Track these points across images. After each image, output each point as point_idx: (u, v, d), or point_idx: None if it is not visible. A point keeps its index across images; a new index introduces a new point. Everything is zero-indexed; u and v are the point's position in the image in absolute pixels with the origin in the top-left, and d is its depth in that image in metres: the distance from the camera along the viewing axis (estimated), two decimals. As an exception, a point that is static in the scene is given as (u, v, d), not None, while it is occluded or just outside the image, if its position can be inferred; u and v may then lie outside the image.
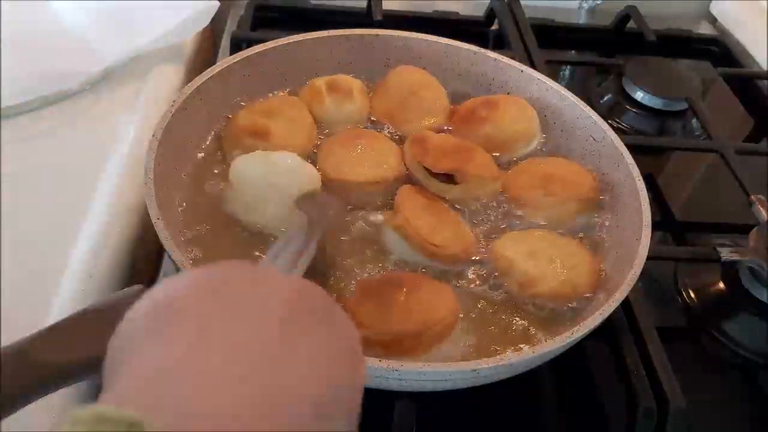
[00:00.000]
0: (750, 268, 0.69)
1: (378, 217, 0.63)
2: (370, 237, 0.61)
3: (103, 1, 0.84)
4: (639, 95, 0.94)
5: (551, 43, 1.02)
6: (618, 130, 0.69)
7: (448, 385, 0.50)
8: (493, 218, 0.65)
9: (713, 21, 1.19)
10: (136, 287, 0.40)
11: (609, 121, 0.71)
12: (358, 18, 0.97)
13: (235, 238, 0.60)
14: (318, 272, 0.57)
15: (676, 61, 1.02)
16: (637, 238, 0.58)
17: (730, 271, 0.71)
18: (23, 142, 0.70)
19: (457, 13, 1.03)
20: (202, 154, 0.66)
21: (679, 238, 0.82)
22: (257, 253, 0.58)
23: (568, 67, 1.06)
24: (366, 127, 0.72)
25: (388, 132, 0.72)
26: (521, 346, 0.55)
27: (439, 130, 0.72)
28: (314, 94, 0.71)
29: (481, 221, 0.64)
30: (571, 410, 0.61)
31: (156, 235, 0.52)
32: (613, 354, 0.60)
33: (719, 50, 1.10)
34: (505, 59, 0.76)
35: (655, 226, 0.60)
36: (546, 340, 0.51)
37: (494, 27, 1.02)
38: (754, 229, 0.70)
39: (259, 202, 0.59)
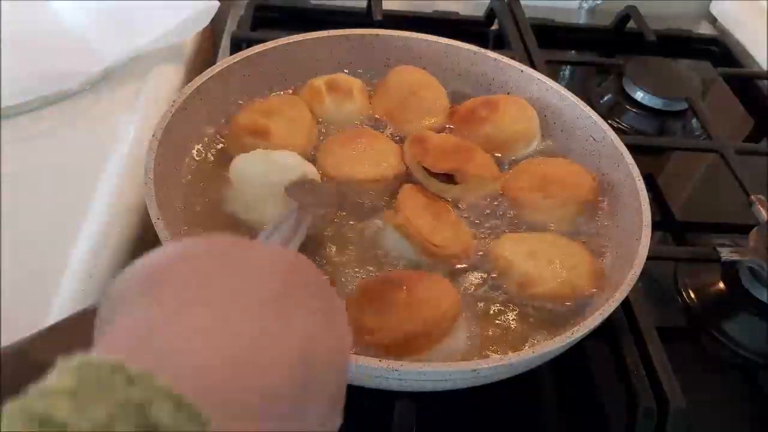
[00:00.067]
0: (750, 268, 0.69)
1: (379, 216, 0.63)
2: (370, 236, 0.61)
3: (103, 1, 0.84)
4: (639, 95, 0.94)
5: (551, 43, 1.02)
6: (618, 130, 0.69)
7: (448, 385, 0.50)
8: (492, 219, 0.65)
9: (713, 21, 1.19)
10: None
11: (609, 121, 0.72)
12: (358, 18, 0.97)
13: (236, 237, 0.60)
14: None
15: (676, 61, 1.02)
16: (637, 238, 0.58)
17: (730, 271, 0.71)
18: (23, 142, 0.70)
19: (457, 13, 1.03)
20: (202, 154, 0.66)
21: (679, 238, 0.82)
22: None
23: (568, 67, 1.06)
24: (370, 126, 0.72)
25: (390, 132, 0.72)
26: (521, 346, 0.55)
27: (439, 130, 0.72)
28: (314, 94, 0.71)
29: (480, 222, 0.64)
30: (571, 410, 0.61)
31: (156, 235, 0.52)
32: (613, 354, 0.60)
33: (719, 50, 1.10)
34: (505, 59, 0.76)
35: (655, 226, 0.60)
36: (546, 341, 0.51)
37: (494, 27, 1.02)
38: (754, 229, 0.70)
39: (259, 201, 0.59)
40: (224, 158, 0.66)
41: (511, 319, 0.57)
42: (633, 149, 0.67)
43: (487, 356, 0.53)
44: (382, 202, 0.64)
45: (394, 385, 0.49)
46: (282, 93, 0.74)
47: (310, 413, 0.29)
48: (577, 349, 0.52)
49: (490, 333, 0.56)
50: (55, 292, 0.57)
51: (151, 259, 0.32)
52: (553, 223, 0.65)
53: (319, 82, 0.72)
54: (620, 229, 0.64)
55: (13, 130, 0.71)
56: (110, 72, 0.79)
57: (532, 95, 0.74)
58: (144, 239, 0.66)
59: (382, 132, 0.71)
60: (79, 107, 0.76)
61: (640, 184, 0.63)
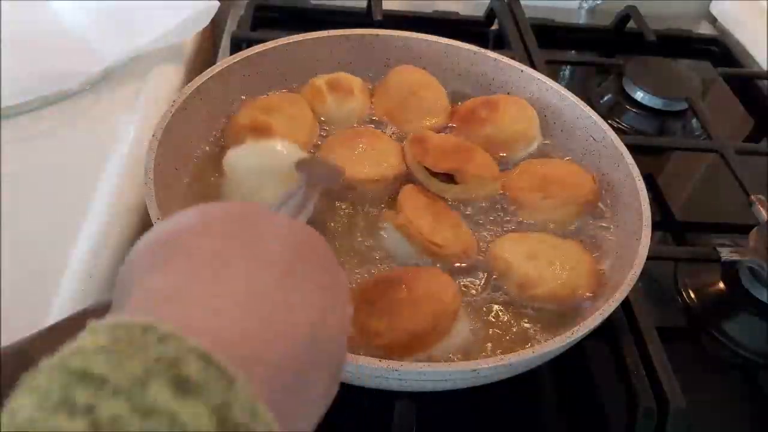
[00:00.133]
0: (750, 268, 0.69)
1: (379, 217, 0.63)
2: (370, 236, 0.61)
3: (103, 1, 0.84)
4: (639, 95, 0.94)
5: (551, 43, 1.02)
6: (618, 130, 0.69)
7: (448, 385, 0.50)
8: (492, 219, 0.65)
9: (713, 21, 1.19)
10: None
11: (609, 121, 0.71)
12: (358, 18, 0.97)
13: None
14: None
15: (676, 61, 1.02)
16: (637, 238, 0.58)
17: (730, 271, 0.71)
18: (23, 142, 0.70)
19: (457, 13, 1.03)
20: (202, 154, 0.66)
21: (679, 238, 0.82)
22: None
23: (568, 67, 1.06)
24: (371, 126, 0.72)
25: (392, 132, 0.72)
26: (521, 346, 0.55)
27: (440, 130, 0.72)
28: (315, 93, 0.71)
29: (481, 222, 0.64)
30: (571, 410, 0.61)
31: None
32: (613, 354, 0.60)
33: (719, 50, 1.10)
34: (505, 59, 0.76)
35: (655, 226, 0.60)
36: (546, 341, 0.51)
37: (494, 27, 1.02)
38: (754, 229, 0.70)
39: (255, 190, 0.59)
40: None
41: (511, 319, 0.57)
42: (633, 149, 0.67)
43: (487, 356, 0.53)
44: (382, 204, 0.64)
45: (394, 385, 0.49)
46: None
47: (312, 386, 0.30)
48: (577, 349, 0.52)
49: (491, 333, 0.56)
50: (55, 292, 0.57)
51: (168, 225, 0.32)
52: (553, 223, 0.65)
53: (321, 81, 0.72)
54: (620, 229, 0.64)
55: (13, 130, 0.71)
56: (110, 72, 0.79)
57: (532, 95, 0.74)
58: (144, 239, 0.66)
59: (383, 132, 0.71)
60: (79, 107, 0.76)
61: (640, 184, 0.63)
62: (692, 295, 0.70)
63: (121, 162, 0.69)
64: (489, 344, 0.55)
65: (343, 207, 0.63)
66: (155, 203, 0.54)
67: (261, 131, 0.65)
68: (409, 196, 0.62)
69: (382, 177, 0.64)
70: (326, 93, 0.71)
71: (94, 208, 0.64)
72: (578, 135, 0.71)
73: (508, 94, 0.75)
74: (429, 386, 0.50)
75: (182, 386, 0.22)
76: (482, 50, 0.77)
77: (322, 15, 0.99)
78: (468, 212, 0.65)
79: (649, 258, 0.56)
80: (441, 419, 0.56)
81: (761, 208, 0.73)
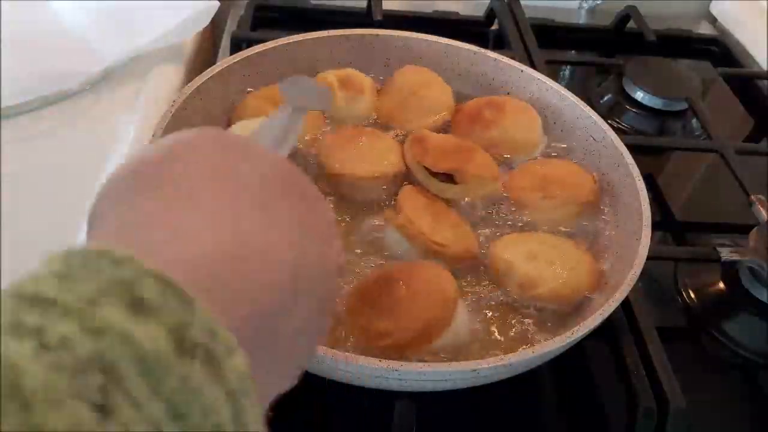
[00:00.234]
0: (750, 268, 0.69)
1: (379, 216, 0.63)
2: (370, 235, 0.61)
3: (103, 1, 0.84)
4: (639, 95, 0.94)
5: (551, 43, 1.02)
6: (618, 130, 0.69)
7: (448, 385, 0.50)
8: (492, 219, 0.65)
9: (713, 21, 1.19)
10: None
11: (609, 121, 0.71)
12: (358, 18, 0.97)
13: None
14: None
15: (676, 61, 1.02)
16: (637, 238, 0.58)
17: (730, 271, 0.71)
18: (23, 142, 0.70)
19: (457, 13, 1.03)
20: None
21: (679, 238, 0.82)
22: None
23: (568, 67, 1.05)
24: (375, 126, 0.72)
25: (396, 133, 0.71)
26: (521, 346, 0.55)
27: (443, 129, 0.71)
28: None
29: (480, 222, 0.64)
30: (571, 410, 0.61)
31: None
32: (613, 354, 0.60)
33: (719, 50, 1.10)
34: (505, 59, 0.76)
35: (655, 226, 0.59)
36: (546, 341, 0.51)
37: (494, 27, 1.02)
38: (754, 229, 0.70)
39: None
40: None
41: (511, 320, 0.57)
42: (633, 149, 0.67)
43: (487, 356, 0.53)
44: (383, 204, 0.64)
45: (394, 385, 0.49)
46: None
47: (292, 319, 0.29)
48: (577, 349, 0.52)
49: (491, 333, 0.56)
50: (55, 292, 0.57)
51: (142, 155, 0.31)
52: (554, 223, 0.65)
53: (331, 77, 0.71)
54: (620, 229, 0.64)
55: (13, 130, 0.71)
56: (110, 72, 0.80)
57: (532, 95, 0.74)
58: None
59: (387, 132, 0.71)
60: (79, 107, 0.76)
61: (640, 184, 0.63)
62: (692, 295, 0.70)
63: (121, 162, 0.69)
64: (489, 344, 0.55)
65: (343, 206, 0.63)
66: (155, 203, 0.53)
67: None
68: (408, 196, 0.62)
69: (383, 174, 0.64)
70: (337, 90, 0.70)
71: (94, 208, 0.64)
72: (578, 135, 0.71)
73: (508, 94, 0.75)
74: (429, 386, 0.50)
75: (137, 307, 0.22)
76: (482, 50, 0.77)
77: (322, 15, 0.99)
78: (468, 212, 0.65)
79: (649, 258, 0.56)
80: (441, 419, 0.56)
81: (761, 208, 0.73)
